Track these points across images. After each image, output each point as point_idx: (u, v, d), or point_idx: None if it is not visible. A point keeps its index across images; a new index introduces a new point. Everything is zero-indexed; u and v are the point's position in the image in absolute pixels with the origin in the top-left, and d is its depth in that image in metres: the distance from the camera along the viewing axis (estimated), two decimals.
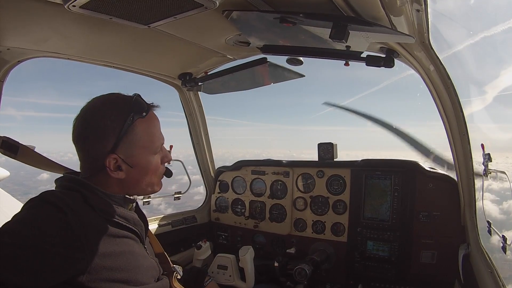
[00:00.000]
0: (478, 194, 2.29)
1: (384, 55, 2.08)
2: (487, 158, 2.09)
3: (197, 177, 3.40)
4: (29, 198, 1.20)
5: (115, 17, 1.50)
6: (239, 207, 3.44)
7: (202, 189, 3.71)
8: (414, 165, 2.74)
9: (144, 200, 2.82)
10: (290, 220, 3.17)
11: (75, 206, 1.17)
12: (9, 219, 1.13)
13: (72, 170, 1.54)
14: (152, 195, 2.84)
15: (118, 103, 1.34)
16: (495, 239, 2.03)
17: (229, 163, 3.60)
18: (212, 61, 2.62)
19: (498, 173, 2.02)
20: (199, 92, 3.20)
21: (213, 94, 3.23)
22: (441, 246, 2.56)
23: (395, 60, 2.08)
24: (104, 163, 1.29)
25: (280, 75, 2.63)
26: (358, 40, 1.71)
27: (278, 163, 3.31)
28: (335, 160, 3.09)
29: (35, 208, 1.16)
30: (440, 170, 2.71)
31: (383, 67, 2.09)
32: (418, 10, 1.49)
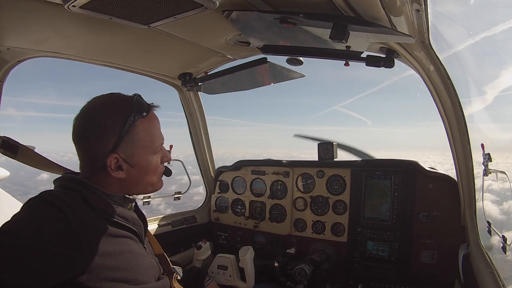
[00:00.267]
0: (478, 194, 2.30)
1: (384, 55, 2.08)
2: (487, 158, 2.09)
3: (196, 177, 3.40)
4: (28, 199, 1.21)
5: (115, 17, 1.50)
6: (239, 207, 3.44)
7: (201, 189, 3.71)
8: (414, 165, 2.74)
9: (144, 200, 2.82)
10: (290, 220, 3.17)
11: (74, 205, 1.18)
12: (9, 219, 1.13)
13: (71, 170, 1.54)
14: (152, 195, 2.84)
15: (119, 103, 1.35)
16: (495, 239, 2.03)
17: (229, 163, 3.60)
18: (212, 61, 2.62)
19: (498, 173, 2.02)
20: (199, 92, 3.20)
21: (213, 94, 3.23)
22: (441, 246, 2.56)
23: (395, 60, 2.08)
24: (105, 162, 1.29)
25: (280, 75, 2.64)
26: (358, 40, 1.71)
27: (278, 163, 3.31)
28: (335, 160, 3.09)
29: (35, 208, 1.16)
30: (440, 170, 2.72)
31: (383, 67, 2.09)
32: (418, 10, 1.49)
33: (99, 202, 1.27)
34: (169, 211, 3.25)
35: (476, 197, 2.30)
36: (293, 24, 1.60)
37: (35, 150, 1.83)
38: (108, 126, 1.29)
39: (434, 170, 2.70)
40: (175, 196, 3.20)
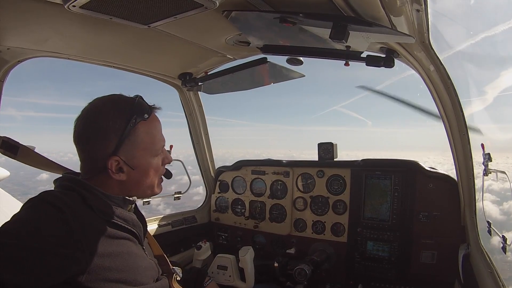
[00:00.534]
0: (478, 194, 2.29)
1: (384, 55, 2.08)
2: (487, 158, 2.09)
3: (196, 177, 3.40)
4: (28, 199, 1.20)
5: (115, 17, 1.50)
6: (239, 207, 3.44)
7: (201, 190, 3.71)
8: (414, 165, 2.74)
9: (144, 200, 2.82)
10: (290, 220, 3.17)
11: (74, 206, 1.18)
12: (9, 219, 1.13)
13: (72, 170, 1.54)
14: None
15: (120, 104, 1.34)
16: (495, 239, 2.03)
17: (229, 163, 3.60)
18: (212, 61, 2.62)
19: (498, 173, 2.02)
20: (199, 92, 3.20)
21: (213, 94, 3.23)
22: (441, 246, 2.56)
23: (395, 60, 2.08)
24: (105, 164, 1.29)
25: (280, 75, 2.63)
26: (358, 40, 1.71)
27: (278, 163, 3.31)
28: (335, 160, 3.09)
29: (34, 208, 1.16)
30: (440, 170, 2.72)
31: (383, 67, 2.09)
32: (418, 10, 1.48)
33: (99, 203, 1.27)
34: (168, 212, 3.25)
35: (476, 197, 2.30)
36: (293, 23, 1.60)
37: (35, 150, 1.83)
38: (109, 128, 1.29)
39: (434, 170, 2.70)
40: (175, 196, 3.20)
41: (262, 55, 2.32)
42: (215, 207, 3.56)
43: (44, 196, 1.19)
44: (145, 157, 1.37)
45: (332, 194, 3.02)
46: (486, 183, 2.21)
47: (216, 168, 3.63)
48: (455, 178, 2.49)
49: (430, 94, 2.20)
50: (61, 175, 1.39)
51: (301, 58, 2.26)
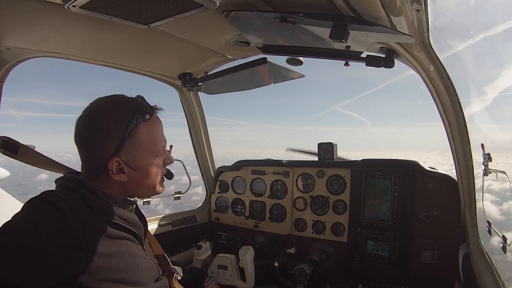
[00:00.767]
0: (478, 195, 2.29)
1: (384, 55, 2.07)
2: (487, 158, 2.09)
3: (195, 177, 3.40)
4: (29, 198, 1.20)
5: (115, 17, 1.50)
6: (239, 207, 3.44)
7: (200, 190, 3.70)
8: (414, 165, 2.74)
9: (144, 200, 2.82)
10: (290, 220, 3.17)
11: (74, 206, 1.18)
12: (9, 219, 1.13)
13: (73, 170, 1.54)
14: None
15: (121, 105, 1.34)
16: (495, 239, 2.03)
17: (228, 163, 3.60)
18: (212, 61, 2.62)
19: (498, 173, 2.02)
20: (199, 92, 3.20)
21: (213, 94, 3.23)
22: (441, 246, 2.56)
23: (395, 60, 2.08)
24: (106, 165, 1.29)
25: (280, 75, 2.64)
26: (358, 40, 1.71)
27: (278, 163, 3.31)
28: (335, 160, 3.10)
29: (35, 208, 1.17)
30: (440, 170, 2.72)
31: (383, 67, 2.09)
32: (418, 10, 1.48)
33: (100, 203, 1.27)
34: (167, 212, 3.25)
35: (476, 197, 2.30)
36: (293, 23, 1.60)
37: (35, 150, 1.83)
38: (110, 129, 1.29)
39: (434, 170, 2.70)
40: (175, 196, 3.20)
41: (262, 55, 2.32)
42: (215, 207, 3.56)
43: (45, 196, 1.19)
44: (146, 158, 1.37)
45: (332, 194, 3.02)
46: (485, 183, 2.21)
47: (216, 168, 3.63)
48: (455, 178, 2.49)
49: (430, 94, 2.21)
50: (62, 175, 1.39)
51: (301, 58, 2.26)
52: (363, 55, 2.08)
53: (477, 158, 2.19)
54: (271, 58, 2.29)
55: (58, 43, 1.98)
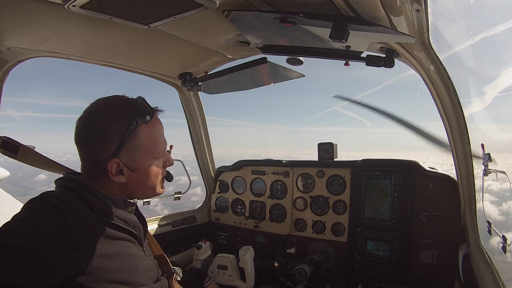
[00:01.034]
0: (478, 195, 2.29)
1: (384, 55, 2.08)
2: (487, 158, 2.09)
3: (194, 178, 3.39)
4: (29, 199, 1.20)
5: (115, 17, 1.50)
6: (239, 207, 3.44)
7: (199, 190, 3.69)
8: (414, 165, 2.74)
9: (144, 201, 2.82)
10: (290, 220, 3.17)
11: (74, 206, 1.18)
12: (9, 219, 1.13)
13: (73, 170, 1.54)
14: None
15: (122, 106, 1.34)
16: (495, 239, 2.03)
17: (227, 164, 3.60)
18: (212, 61, 2.62)
19: (498, 173, 2.02)
20: (199, 92, 3.20)
21: (213, 94, 3.23)
22: (441, 246, 2.56)
23: (395, 60, 2.08)
24: (105, 166, 1.29)
25: (280, 75, 2.64)
26: (358, 40, 1.71)
27: (278, 163, 3.31)
28: (335, 160, 3.09)
29: (35, 208, 1.16)
30: (440, 170, 2.72)
31: (383, 67, 2.09)
32: (418, 10, 1.48)
33: (99, 204, 1.27)
34: (166, 213, 3.25)
35: (476, 197, 2.30)
36: (293, 23, 1.60)
37: (35, 150, 1.82)
38: (111, 130, 1.28)
39: (434, 170, 2.70)
40: (175, 196, 3.20)
41: (262, 55, 2.32)
42: (215, 207, 3.56)
43: (44, 196, 1.19)
44: (146, 160, 1.37)
45: (332, 194, 3.02)
46: (485, 184, 2.21)
47: (216, 168, 3.63)
48: (455, 178, 2.49)
49: (430, 94, 2.21)
50: (62, 175, 1.38)
51: (301, 58, 2.26)
52: (363, 55, 2.08)
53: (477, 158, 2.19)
54: (271, 58, 2.29)
55: (58, 43, 1.98)
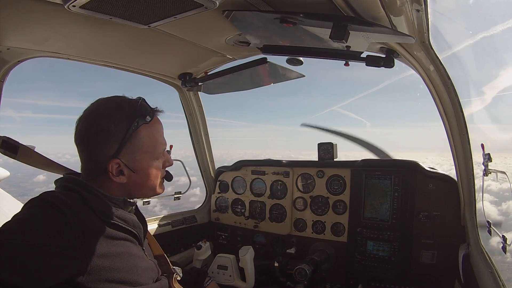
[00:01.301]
0: (478, 195, 2.29)
1: (384, 55, 2.08)
2: (487, 158, 2.09)
3: (193, 178, 3.40)
4: (29, 199, 1.20)
5: (115, 17, 1.50)
6: (239, 207, 3.44)
7: (198, 191, 3.68)
8: (414, 165, 2.74)
9: (144, 201, 2.82)
10: (290, 220, 3.17)
11: (74, 206, 1.18)
12: (9, 219, 1.13)
13: (73, 170, 1.54)
14: None
15: (123, 107, 1.34)
16: (495, 239, 2.03)
17: (227, 164, 3.60)
18: (212, 61, 2.62)
19: (498, 173, 2.02)
20: (199, 92, 3.20)
21: (213, 94, 3.23)
22: (441, 246, 2.56)
23: (395, 60, 2.08)
24: (106, 167, 1.29)
25: (280, 75, 2.64)
26: (358, 40, 1.71)
27: (278, 163, 3.31)
28: (335, 160, 3.09)
29: (35, 208, 1.16)
30: (440, 170, 2.72)
31: (383, 67, 2.09)
32: (418, 10, 1.49)
33: (99, 204, 1.27)
34: (164, 213, 3.25)
35: (476, 197, 2.30)
36: (293, 23, 1.60)
37: (35, 150, 1.82)
38: (111, 130, 1.28)
39: (434, 170, 2.70)
40: (175, 196, 3.19)
41: (262, 55, 2.32)
42: (215, 207, 3.56)
43: (44, 196, 1.19)
44: (146, 160, 1.37)
45: (332, 194, 3.02)
46: (485, 184, 2.21)
47: (216, 168, 3.63)
48: (455, 178, 2.49)
49: (430, 94, 2.21)
50: (61, 176, 1.38)
51: (301, 58, 2.26)
52: (363, 55, 2.08)
53: (477, 158, 2.19)
54: (271, 58, 2.29)
55: (58, 43, 1.98)
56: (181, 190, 3.26)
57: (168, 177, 1.56)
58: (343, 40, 1.55)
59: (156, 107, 1.42)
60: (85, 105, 1.37)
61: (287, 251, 3.08)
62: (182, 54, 2.43)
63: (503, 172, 1.99)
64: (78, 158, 1.37)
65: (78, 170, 1.40)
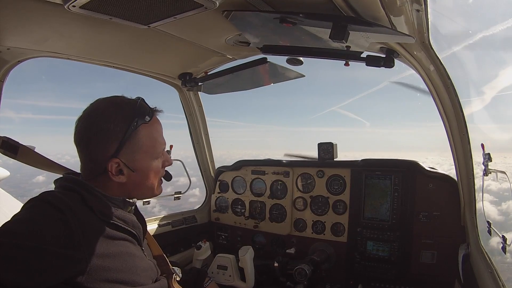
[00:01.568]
0: (478, 195, 2.30)
1: (384, 55, 2.08)
2: (487, 158, 2.09)
3: (193, 179, 3.40)
4: (29, 199, 1.20)
5: (115, 17, 1.50)
6: (239, 207, 3.44)
7: (197, 192, 3.68)
8: (414, 165, 2.74)
9: (144, 201, 2.82)
10: (290, 220, 3.17)
11: (74, 206, 1.18)
12: (9, 219, 1.13)
13: (73, 171, 1.54)
14: None
15: (122, 107, 1.34)
16: (495, 239, 2.04)
17: (227, 164, 3.60)
18: (212, 61, 2.62)
19: (498, 173, 2.02)
20: (199, 92, 3.20)
21: (213, 94, 3.23)
22: (441, 246, 2.56)
23: (395, 60, 2.08)
24: (105, 166, 1.29)
25: (280, 75, 2.64)
26: (358, 40, 1.71)
27: (278, 163, 3.31)
28: (335, 160, 3.10)
29: (35, 208, 1.16)
30: (440, 170, 2.72)
31: (383, 67, 2.09)
32: (418, 10, 1.49)
33: (99, 204, 1.27)
34: (164, 214, 3.25)
35: (476, 197, 2.30)
36: (293, 23, 1.60)
37: (35, 150, 1.82)
38: (111, 130, 1.29)
39: (434, 170, 2.70)
40: (175, 196, 3.19)
41: (262, 55, 2.32)
42: (215, 207, 3.56)
43: (44, 196, 1.19)
44: (145, 160, 1.38)
45: (332, 194, 3.02)
46: (485, 184, 2.21)
47: (216, 168, 3.63)
48: (455, 178, 2.49)
49: (430, 94, 2.21)
50: (61, 176, 1.38)
51: (301, 58, 2.26)
52: (363, 55, 2.08)
53: (477, 158, 2.19)
54: (271, 58, 2.29)
55: (58, 43, 1.98)
56: (181, 190, 3.26)
57: (168, 177, 1.56)
58: (343, 40, 1.55)
59: (155, 107, 1.42)
60: (84, 105, 1.38)
61: (287, 251, 3.08)
62: (182, 54, 2.43)
63: (503, 172, 1.99)
64: (78, 159, 1.37)
65: (78, 171, 1.40)
